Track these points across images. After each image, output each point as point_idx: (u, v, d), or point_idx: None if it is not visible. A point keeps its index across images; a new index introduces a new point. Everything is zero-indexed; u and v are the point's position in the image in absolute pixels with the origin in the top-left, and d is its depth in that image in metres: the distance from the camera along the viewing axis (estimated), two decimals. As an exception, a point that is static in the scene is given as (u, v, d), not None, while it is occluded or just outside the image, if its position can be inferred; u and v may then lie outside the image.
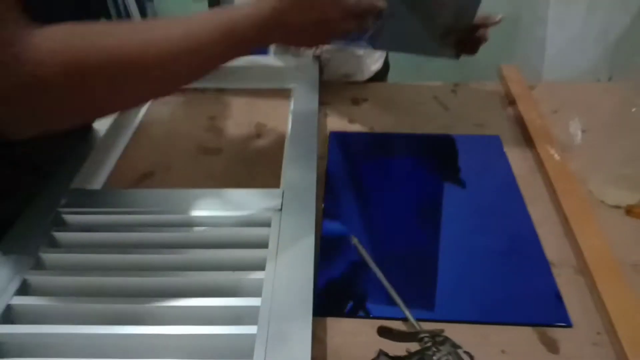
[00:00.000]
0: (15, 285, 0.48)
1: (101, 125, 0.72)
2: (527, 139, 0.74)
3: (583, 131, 0.75)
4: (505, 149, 0.72)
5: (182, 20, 0.44)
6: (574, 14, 1.66)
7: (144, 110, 0.81)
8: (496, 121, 0.79)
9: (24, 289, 0.49)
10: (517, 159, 0.71)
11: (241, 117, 0.80)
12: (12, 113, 0.38)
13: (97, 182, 0.66)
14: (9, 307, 0.47)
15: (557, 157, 0.68)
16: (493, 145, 0.73)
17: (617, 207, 0.62)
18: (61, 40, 0.37)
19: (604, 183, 0.63)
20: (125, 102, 0.47)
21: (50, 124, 0.40)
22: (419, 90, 0.88)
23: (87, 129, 0.69)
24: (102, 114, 0.51)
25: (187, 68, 0.45)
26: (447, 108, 0.83)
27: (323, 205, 0.63)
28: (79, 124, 0.44)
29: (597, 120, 0.75)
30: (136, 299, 0.47)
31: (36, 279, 0.49)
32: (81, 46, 0.38)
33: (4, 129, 0.38)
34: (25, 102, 0.37)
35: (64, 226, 0.56)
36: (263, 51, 0.99)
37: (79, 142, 0.67)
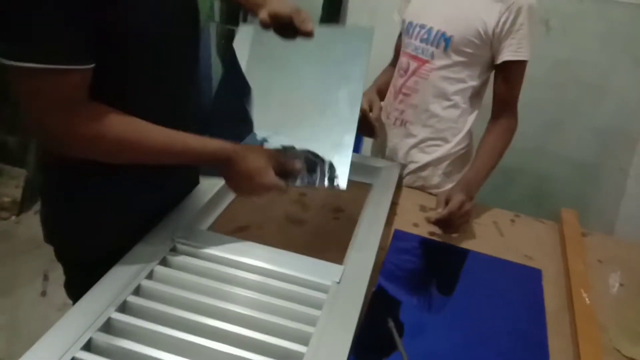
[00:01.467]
0: (130, 288, 0.65)
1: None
2: (566, 279, 0.83)
3: (621, 284, 0.83)
4: (544, 283, 0.82)
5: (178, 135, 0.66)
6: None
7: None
8: (543, 257, 0.89)
9: (135, 292, 0.65)
10: (552, 294, 0.80)
11: (325, 199, 0.96)
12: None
13: (205, 224, 0.83)
14: (124, 303, 0.63)
15: (587, 301, 0.76)
16: (534, 277, 0.83)
17: (631, 359, 0.69)
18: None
19: (624, 335, 0.71)
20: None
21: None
22: (481, 213, 1.00)
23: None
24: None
25: (166, 160, 0.69)
26: (502, 234, 0.94)
27: (374, 288, 0.76)
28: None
29: (635, 278, 0.83)
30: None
31: (147, 285, 0.66)
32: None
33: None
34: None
35: (176, 252, 0.73)
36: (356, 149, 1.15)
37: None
